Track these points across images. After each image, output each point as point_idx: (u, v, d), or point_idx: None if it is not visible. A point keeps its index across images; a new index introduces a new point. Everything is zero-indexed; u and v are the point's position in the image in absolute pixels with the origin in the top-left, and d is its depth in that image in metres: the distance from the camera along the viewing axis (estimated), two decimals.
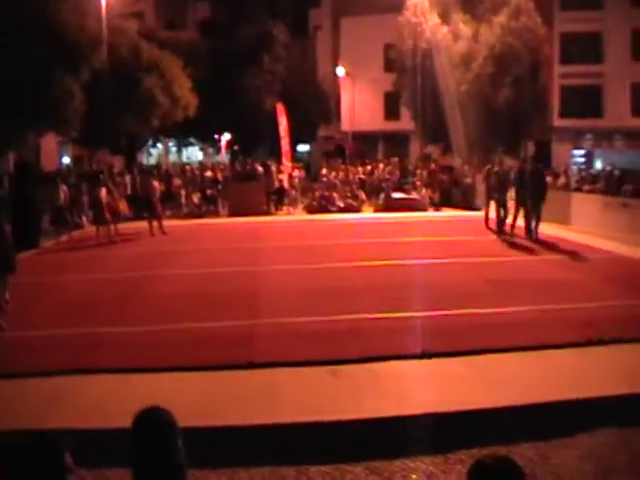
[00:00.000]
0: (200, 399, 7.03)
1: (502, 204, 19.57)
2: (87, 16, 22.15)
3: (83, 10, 21.98)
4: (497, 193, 19.77)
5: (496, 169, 20.47)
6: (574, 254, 15.53)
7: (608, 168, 29.83)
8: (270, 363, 8.03)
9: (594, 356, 8.30)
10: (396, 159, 34.81)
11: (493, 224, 20.04)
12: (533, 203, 18.12)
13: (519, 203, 19.04)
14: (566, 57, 45.83)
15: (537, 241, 17.59)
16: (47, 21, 19.95)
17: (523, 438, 6.38)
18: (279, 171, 30.31)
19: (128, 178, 27.12)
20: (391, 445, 6.20)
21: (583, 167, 41.62)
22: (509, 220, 19.47)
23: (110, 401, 7.00)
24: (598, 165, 42.86)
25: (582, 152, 45.97)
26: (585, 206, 20.38)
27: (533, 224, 18.12)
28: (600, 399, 6.95)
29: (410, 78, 34.47)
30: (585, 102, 45.43)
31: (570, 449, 6.19)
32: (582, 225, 19.54)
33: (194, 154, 52.08)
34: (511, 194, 19.54)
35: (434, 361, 8.13)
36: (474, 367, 7.92)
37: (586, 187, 25.63)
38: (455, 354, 8.28)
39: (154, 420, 2.76)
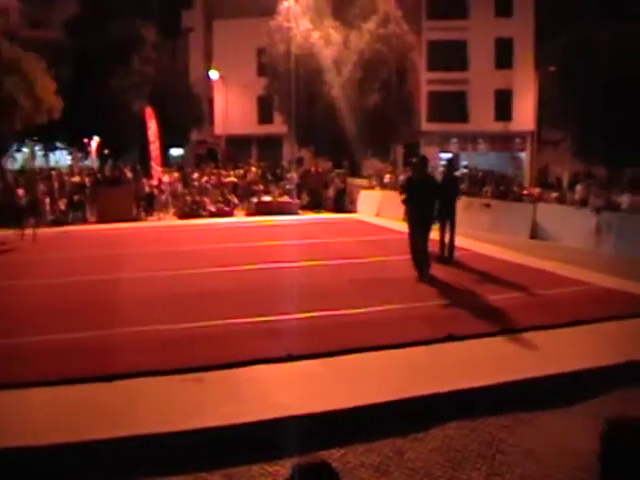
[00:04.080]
0: (57, 414, 6.70)
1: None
2: None
3: None
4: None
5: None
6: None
7: (465, 170, 31.03)
8: (130, 373, 7.78)
9: (446, 352, 8.58)
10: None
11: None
12: (448, 214, 15.29)
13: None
14: (433, 64, 47.49)
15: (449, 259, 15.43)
16: None
17: (382, 435, 6.50)
18: (149, 176, 29.73)
19: None
20: (250, 450, 6.15)
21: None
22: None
23: None
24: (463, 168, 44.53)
25: (448, 155, 47.73)
26: None
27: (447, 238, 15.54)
28: (453, 392, 7.19)
29: (282, 82, 34.68)
30: (451, 107, 47.27)
31: (424, 443, 6.36)
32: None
33: (62, 158, 50.23)
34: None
35: (297, 364, 8.14)
36: (334, 367, 8.00)
37: None
38: (317, 355, 8.35)
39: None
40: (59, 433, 6.26)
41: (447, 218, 15.12)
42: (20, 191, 20.97)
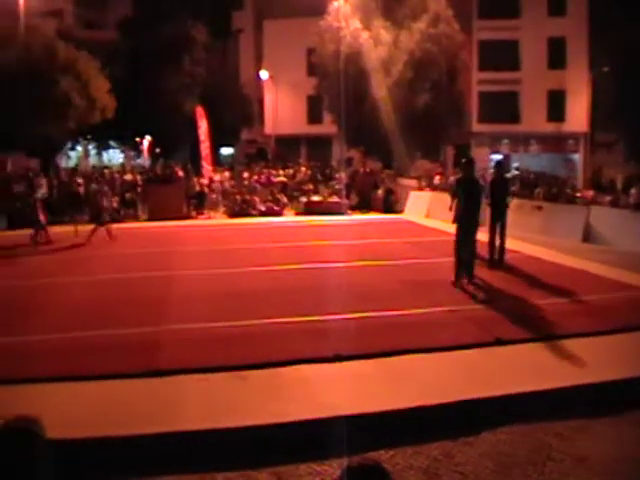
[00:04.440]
0: (103, 408, 6.81)
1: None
2: None
3: None
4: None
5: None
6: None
7: (516, 172, 30.60)
8: (177, 370, 7.87)
9: (495, 355, 8.47)
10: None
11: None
12: (499, 217, 14.99)
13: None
14: (484, 64, 46.94)
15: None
16: None
17: (431, 437, 6.44)
18: (200, 175, 30.03)
19: (44, 181, 26.36)
20: (298, 449, 6.16)
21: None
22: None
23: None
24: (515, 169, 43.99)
25: (499, 156, 47.21)
26: None
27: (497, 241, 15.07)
28: (505, 396, 7.09)
29: (332, 82, 34.64)
30: (502, 108, 46.68)
31: (474, 447, 6.29)
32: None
33: (115, 157, 51.09)
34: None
35: (345, 364, 8.12)
36: (383, 368, 7.97)
37: None
38: (366, 356, 8.31)
39: (19, 431, 2.63)
40: (107, 426, 6.36)
41: (498, 221, 14.92)
42: (81, 188, 21.51)
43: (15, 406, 6.34)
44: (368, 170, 32.66)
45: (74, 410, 6.71)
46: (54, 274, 14.31)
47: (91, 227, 19.70)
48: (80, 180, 25.75)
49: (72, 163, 44.76)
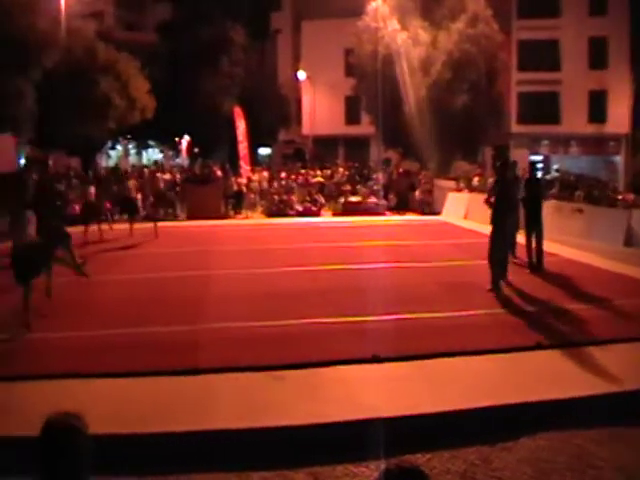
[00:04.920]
0: (141, 405, 6.90)
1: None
2: (37, 15, 21.81)
3: (33, 9, 21.65)
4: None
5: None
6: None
7: (556, 174, 30.22)
8: (215, 369, 7.93)
9: (535, 360, 8.37)
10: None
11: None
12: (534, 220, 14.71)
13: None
14: (523, 64, 46.43)
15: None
16: None
17: (469, 442, 6.40)
18: (238, 175, 30.21)
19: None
20: (335, 450, 6.17)
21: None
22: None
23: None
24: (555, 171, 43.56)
25: (539, 158, 46.66)
26: None
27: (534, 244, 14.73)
28: (545, 402, 7.02)
29: (370, 83, 34.60)
30: (542, 109, 46.14)
31: (512, 452, 6.23)
32: None
33: (154, 156, 51.67)
34: None
35: (383, 365, 8.11)
36: (421, 370, 7.94)
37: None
38: (405, 358, 8.29)
39: (63, 427, 2.68)
40: (144, 423, 6.45)
41: (533, 224, 14.75)
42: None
43: (60, 401, 6.41)
44: (406, 171, 32.53)
45: (115, 406, 6.80)
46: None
47: (130, 225, 20.22)
48: (132, 182, 25.97)
49: (112, 162, 45.41)
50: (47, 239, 11.44)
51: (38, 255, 10.44)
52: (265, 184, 31.14)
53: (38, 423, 2.72)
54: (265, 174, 32.68)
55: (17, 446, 5.54)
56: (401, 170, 32.82)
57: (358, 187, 31.15)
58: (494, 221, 12.62)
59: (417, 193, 29.83)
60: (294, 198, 28.68)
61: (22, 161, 39.95)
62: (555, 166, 36.24)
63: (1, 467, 5.41)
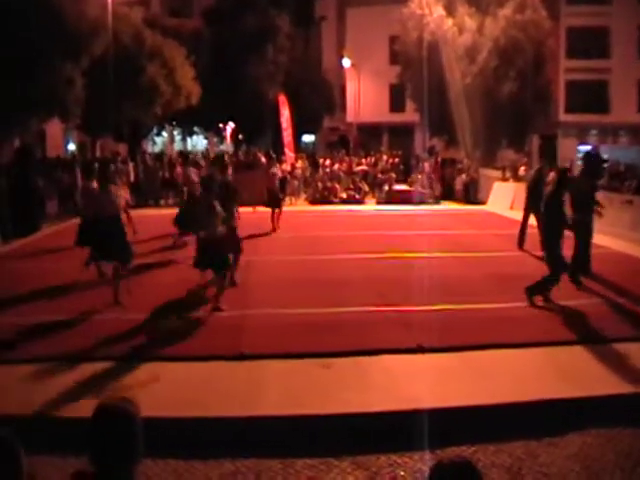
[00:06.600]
0: (183, 390, 7.00)
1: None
2: (87, 3, 22.03)
3: None
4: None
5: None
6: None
7: (606, 164, 29.57)
8: (260, 355, 7.98)
9: (585, 354, 8.23)
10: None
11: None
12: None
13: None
14: (572, 51, 45.59)
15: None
16: (45, 7, 19.83)
17: (515, 436, 6.33)
18: (282, 161, 30.22)
19: (131, 166, 27.11)
20: (378, 440, 6.16)
21: None
22: None
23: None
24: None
25: (588, 148, 45.85)
26: None
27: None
28: (594, 398, 6.90)
29: (415, 70, 34.32)
30: (591, 97, 45.26)
31: (559, 448, 6.14)
32: None
33: (199, 143, 52.05)
34: None
35: (427, 356, 8.06)
36: (467, 362, 7.87)
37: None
38: (450, 349, 8.23)
39: (113, 411, 2.71)
40: (191, 408, 6.54)
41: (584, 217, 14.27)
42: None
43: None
44: (450, 160, 32.22)
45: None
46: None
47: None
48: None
49: (157, 149, 45.86)
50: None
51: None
52: (308, 171, 31.10)
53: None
54: (299, 163, 32.45)
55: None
56: (443, 159, 32.48)
57: (403, 176, 30.96)
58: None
59: (461, 182, 29.54)
60: (338, 186, 28.62)
61: (72, 147, 40.81)
62: (604, 156, 35.47)
63: None
